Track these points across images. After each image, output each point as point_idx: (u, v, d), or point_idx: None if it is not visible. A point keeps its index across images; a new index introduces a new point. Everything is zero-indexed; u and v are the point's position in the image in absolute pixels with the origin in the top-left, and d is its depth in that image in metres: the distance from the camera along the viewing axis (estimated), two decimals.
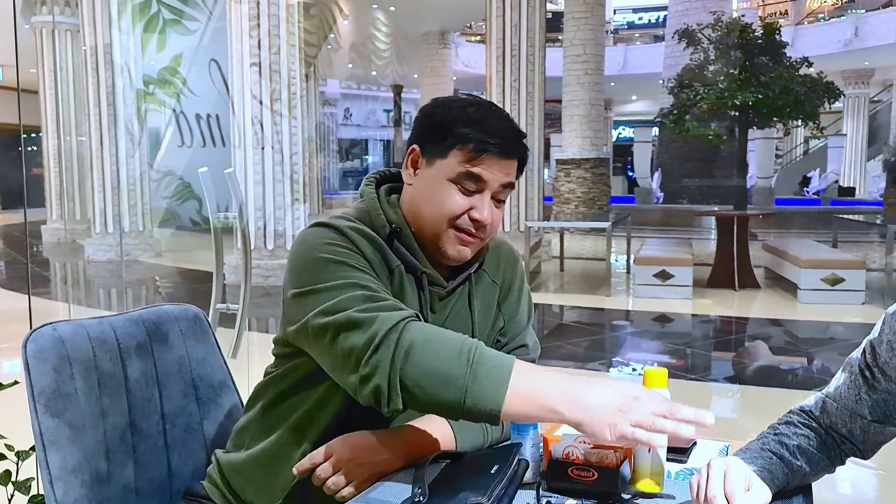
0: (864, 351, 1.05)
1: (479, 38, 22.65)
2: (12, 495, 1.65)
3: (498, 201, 1.14)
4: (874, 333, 1.04)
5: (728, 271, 7.36)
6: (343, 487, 1.06)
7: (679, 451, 1.17)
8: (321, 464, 1.08)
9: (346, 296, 1.02)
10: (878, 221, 11.98)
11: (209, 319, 1.52)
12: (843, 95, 13.93)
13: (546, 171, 14.07)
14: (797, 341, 5.73)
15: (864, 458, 1.08)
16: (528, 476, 1.03)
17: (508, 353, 1.14)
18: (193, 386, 1.41)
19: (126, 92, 9.54)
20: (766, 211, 11.70)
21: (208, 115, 12.87)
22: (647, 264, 7.14)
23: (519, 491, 0.99)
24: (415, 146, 1.15)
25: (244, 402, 1.34)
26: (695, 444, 1.20)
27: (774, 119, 11.84)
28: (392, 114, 25.05)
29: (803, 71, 11.67)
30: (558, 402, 0.92)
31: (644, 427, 0.89)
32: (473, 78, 20.92)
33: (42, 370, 1.17)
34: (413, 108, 22.18)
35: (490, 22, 9.36)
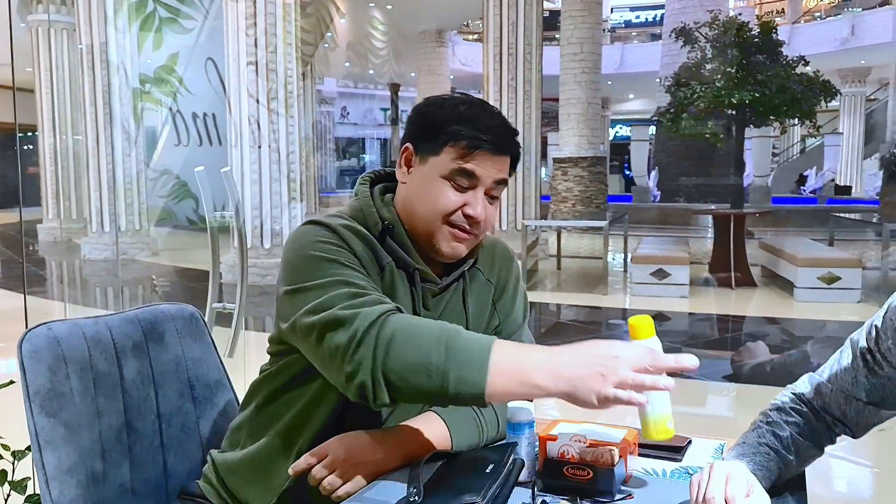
0: (867, 334, 1.04)
1: (476, 36, 22.66)
2: (8, 495, 1.65)
3: (491, 198, 1.14)
4: (878, 318, 1.03)
5: (725, 270, 7.38)
6: (339, 487, 1.06)
7: (674, 450, 1.17)
8: (317, 464, 1.08)
9: (331, 294, 1.02)
10: (875, 220, 11.99)
11: (205, 318, 1.52)
12: (840, 94, 13.97)
13: (543, 169, 14.06)
14: (793, 339, 5.74)
15: (855, 438, 1.08)
16: (524, 475, 1.03)
17: None
18: (189, 385, 1.41)
19: (122, 91, 9.52)
20: (762, 209, 11.72)
21: (205, 114, 12.85)
22: (643, 263, 7.15)
23: (514, 490, 0.99)
24: (408, 145, 1.16)
25: (240, 402, 1.34)
26: (690, 442, 1.21)
27: (771, 117, 11.86)
28: (389, 112, 25.06)
29: (800, 69, 11.68)
30: (540, 376, 0.91)
31: (626, 387, 0.87)
32: (471, 76, 20.93)
33: (37, 370, 1.17)
34: (410, 106, 22.13)
35: (487, 20, 9.36)
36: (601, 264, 8.10)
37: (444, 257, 1.15)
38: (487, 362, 0.92)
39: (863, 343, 1.04)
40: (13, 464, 1.67)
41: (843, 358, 1.07)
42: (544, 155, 15.17)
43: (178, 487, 1.34)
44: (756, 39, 11.94)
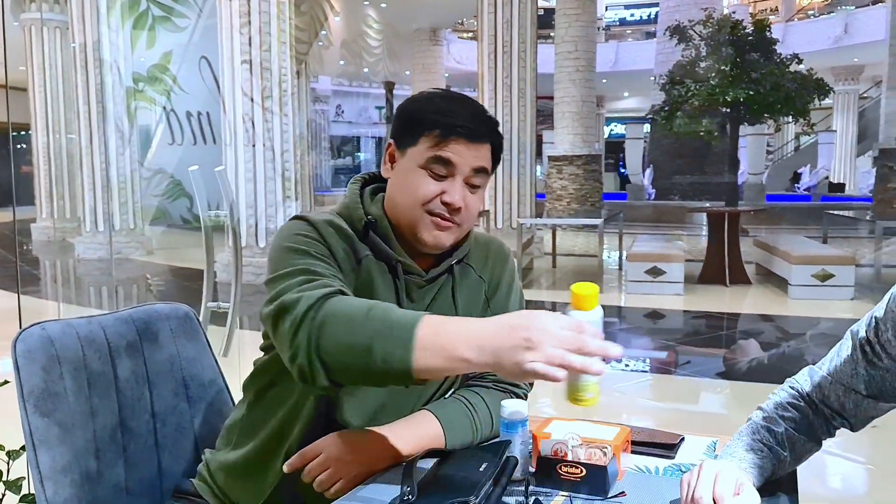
0: (867, 326, 1.03)
1: (470, 34, 22.65)
2: (3, 494, 1.65)
3: (472, 186, 1.15)
4: (879, 309, 1.02)
5: (719, 267, 7.40)
6: (332, 485, 1.06)
7: (667, 447, 1.18)
8: (311, 461, 1.08)
9: (288, 282, 1.04)
10: (868, 217, 12.04)
11: (200, 318, 1.52)
12: (833, 92, 14.00)
13: (538, 167, 14.07)
14: (788, 337, 5.76)
15: (853, 431, 1.07)
16: (518, 473, 1.04)
17: None
18: (184, 385, 1.41)
19: (115, 89, 9.49)
20: (757, 207, 11.76)
21: (199, 113, 12.81)
22: (638, 260, 7.16)
23: (508, 488, 1.00)
24: (391, 141, 1.19)
25: (235, 401, 1.34)
26: (682, 439, 1.21)
27: (765, 115, 11.92)
28: (384, 111, 25.04)
29: (793, 67, 11.72)
30: (464, 349, 0.89)
31: (551, 363, 0.84)
32: (465, 74, 20.91)
33: (31, 370, 1.17)
34: None
35: (482, 18, 9.35)
36: (596, 262, 8.12)
37: (428, 247, 1.15)
38: (413, 338, 0.91)
39: (862, 334, 1.03)
40: (8, 463, 1.67)
41: (842, 350, 1.06)
42: (539, 153, 15.19)
43: (172, 487, 1.34)
44: (750, 37, 11.98)
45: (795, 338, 5.65)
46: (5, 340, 1.22)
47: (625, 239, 9.35)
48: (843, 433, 1.09)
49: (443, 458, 1.09)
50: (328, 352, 0.95)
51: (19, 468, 1.58)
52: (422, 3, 16.77)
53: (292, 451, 1.12)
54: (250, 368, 1.27)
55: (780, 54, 12.02)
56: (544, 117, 17.25)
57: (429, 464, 1.07)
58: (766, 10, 24.71)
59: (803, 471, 1.10)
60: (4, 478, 1.66)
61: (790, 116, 12.10)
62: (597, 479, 1.00)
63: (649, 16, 26.75)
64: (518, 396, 1.22)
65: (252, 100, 7.13)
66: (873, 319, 1.02)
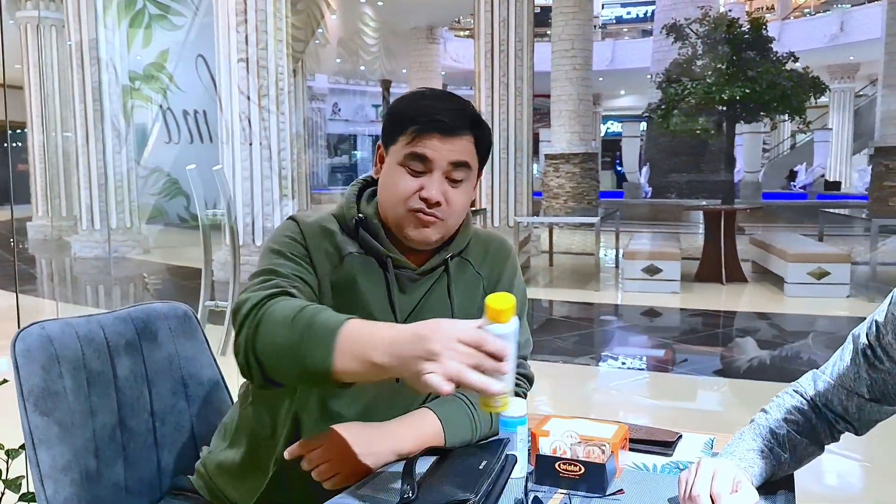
0: (868, 329, 1.03)
1: (467, 32, 22.65)
2: (3, 493, 1.65)
3: (453, 181, 1.14)
4: (880, 313, 1.02)
5: (716, 265, 7.41)
6: (330, 477, 1.07)
7: (665, 445, 1.18)
8: (313, 450, 1.09)
9: (251, 282, 1.08)
10: (864, 215, 12.06)
11: (198, 316, 1.52)
12: (829, 90, 14.02)
13: (535, 166, 14.08)
14: (784, 334, 5.77)
15: (858, 435, 1.07)
16: (517, 471, 1.04)
17: None
18: (183, 383, 1.41)
19: (112, 88, 9.47)
20: (753, 205, 11.78)
21: (195, 112, 12.80)
22: (635, 259, 7.17)
23: (507, 485, 1.00)
24: (380, 143, 1.20)
25: (234, 399, 1.35)
26: (680, 437, 1.22)
27: (761, 113, 11.94)
28: (381, 109, 25.01)
29: (790, 66, 11.74)
30: (377, 355, 0.90)
31: (448, 377, 0.84)
32: (462, 73, 20.92)
33: (31, 369, 1.17)
34: None
35: (478, 17, 9.35)
36: (593, 260, 8.13)
37: (416, 243, 1.16)
38: (334, 341, 0.92)
39: (863, 338, 1.03)
40: (7, 462, 1.67)
41: (845, 354, 1.06)
42: (536, 151, 15.18)
43: (171, 485, 1.35)
44: (746, 36, 12.00)
45: (792, 335, 5.66)
46: (4, 339, 1.22)
47: (621, 237, 9.36)
48: (844, 433, 1.09)
49: (442, 455, 1.09)
50: (262, 351, 0.98)
51: (19, 467, 1.58)
52: (418, 1, 16.76)
53: (284, 447, 1.12)
54: None
55: (777, 52, 12.03)
56: (541, 115, 17.24)
57: (428, 461, 1.07)
58: (762, 8, 24.76)
59: (801, 469, 1.10)
60: (3, 476, 1.66)
61: (786, 114, 12.11)
62: (595, 476, 1.01)
63: (646, 14, 26.77)
64: (517, 395, 1.22)
65: (249, 98, 7.12)
66: (874, 323, 1.02)
